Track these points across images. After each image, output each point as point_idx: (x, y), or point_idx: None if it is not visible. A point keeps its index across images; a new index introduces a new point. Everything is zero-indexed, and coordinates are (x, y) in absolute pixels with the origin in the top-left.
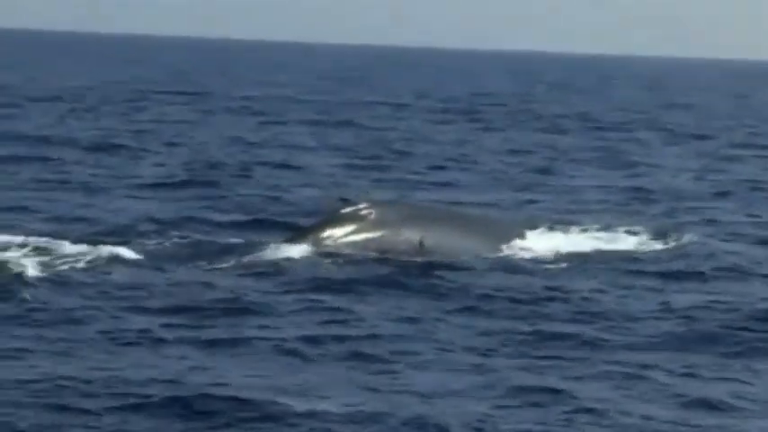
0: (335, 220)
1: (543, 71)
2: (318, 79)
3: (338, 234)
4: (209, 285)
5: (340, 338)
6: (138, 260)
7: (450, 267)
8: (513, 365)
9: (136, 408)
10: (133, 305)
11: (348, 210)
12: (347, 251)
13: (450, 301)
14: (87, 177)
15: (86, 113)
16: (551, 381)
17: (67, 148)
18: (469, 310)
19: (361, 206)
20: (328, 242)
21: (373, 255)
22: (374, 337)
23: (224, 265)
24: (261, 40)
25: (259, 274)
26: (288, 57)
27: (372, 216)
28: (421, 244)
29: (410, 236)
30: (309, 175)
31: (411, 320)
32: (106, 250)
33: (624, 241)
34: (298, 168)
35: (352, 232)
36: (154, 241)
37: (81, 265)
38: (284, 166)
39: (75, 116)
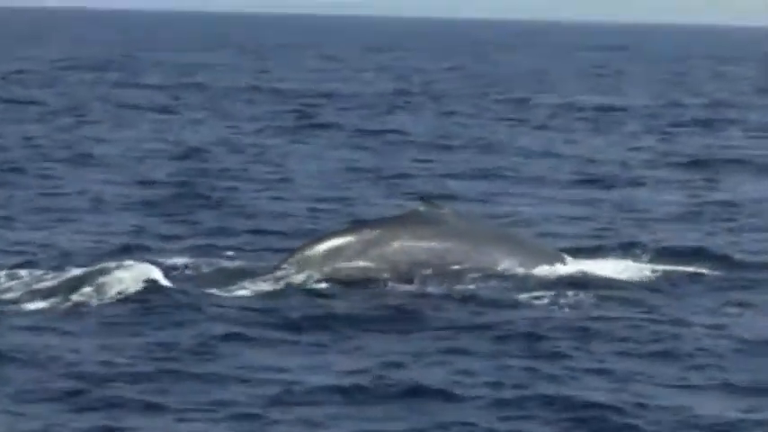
0: (409, 219)
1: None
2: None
3: (411, 236)
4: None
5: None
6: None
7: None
8: None
9: None
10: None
11: (427, 209)
12: (421, 261)
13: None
14: None
15: None
16: None
17: None
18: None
19: (444, 210)
20: (393, 246)
21: (453, 269)
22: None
23: (224, 293)
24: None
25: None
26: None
27: (457, 223)
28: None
29: (497, 256)
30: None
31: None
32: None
33: (691, 268)
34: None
35: (431, 237)
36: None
37: None
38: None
39: None
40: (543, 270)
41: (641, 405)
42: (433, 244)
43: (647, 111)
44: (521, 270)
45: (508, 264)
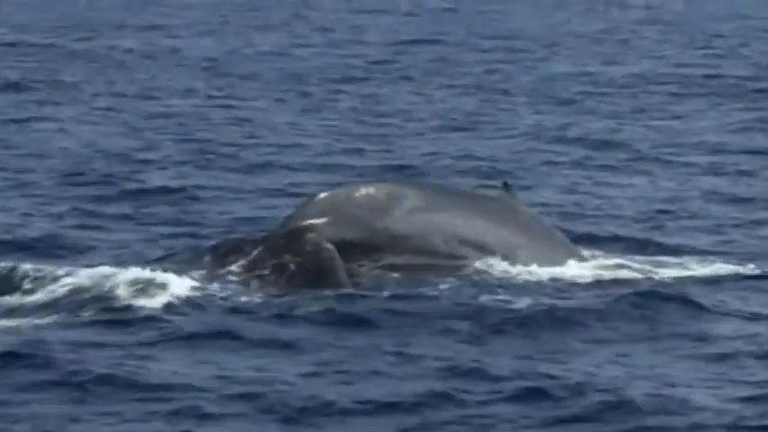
0: (480, 198)
1: None
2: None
3: (479, 216)
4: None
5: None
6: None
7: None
8: None
9: None
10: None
11: (506, 195)
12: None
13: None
14: None
15: None
16: None
17: None
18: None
19: (518, 202)
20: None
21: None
22: None
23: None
24: None
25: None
26: None
27: (525, 217)
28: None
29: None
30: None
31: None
32: None
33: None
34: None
35: (497, 223)
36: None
37: None
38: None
39: None
40: (577, 270)
41: (664, 400)
42: (497, 230)
43: (678, 82)
44: (561, 272)
45: (553, 268)
